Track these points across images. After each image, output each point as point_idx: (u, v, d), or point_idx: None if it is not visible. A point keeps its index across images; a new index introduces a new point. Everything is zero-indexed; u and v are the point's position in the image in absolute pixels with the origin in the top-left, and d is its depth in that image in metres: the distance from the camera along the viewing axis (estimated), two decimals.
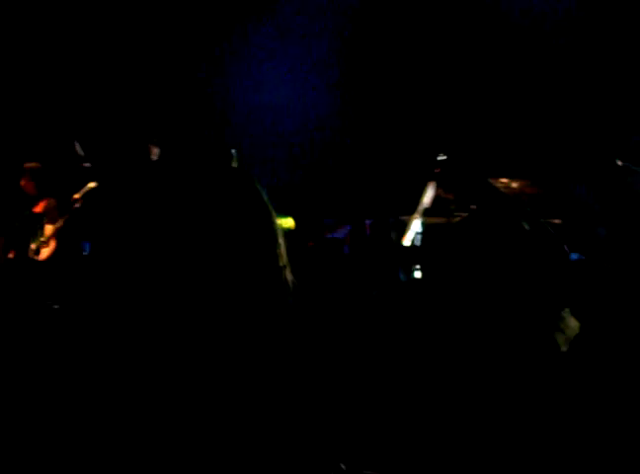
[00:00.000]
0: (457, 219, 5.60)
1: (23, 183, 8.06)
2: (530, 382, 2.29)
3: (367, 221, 7.83)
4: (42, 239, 7.74)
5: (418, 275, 6.45)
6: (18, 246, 7.64)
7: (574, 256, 5.66)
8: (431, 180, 7.47)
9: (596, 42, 8.54)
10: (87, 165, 7.94)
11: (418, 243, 7.03)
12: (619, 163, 6.25)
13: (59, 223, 7.80)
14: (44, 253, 7.74)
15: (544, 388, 2.29)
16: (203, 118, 9.60)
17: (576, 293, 2.64)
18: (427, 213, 7.22)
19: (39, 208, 7.98)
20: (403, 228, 7.21)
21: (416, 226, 7.19)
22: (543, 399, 2.29)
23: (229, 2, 9.60)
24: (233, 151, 7.55)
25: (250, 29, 9.65)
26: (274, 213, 1.74)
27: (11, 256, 7.66)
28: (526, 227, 2.48)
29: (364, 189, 8.90)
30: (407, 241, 7.16)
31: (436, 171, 7.50)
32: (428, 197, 7.45)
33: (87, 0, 9.38)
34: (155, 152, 7.88)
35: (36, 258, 7.64)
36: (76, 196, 7.74)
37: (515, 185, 7.37)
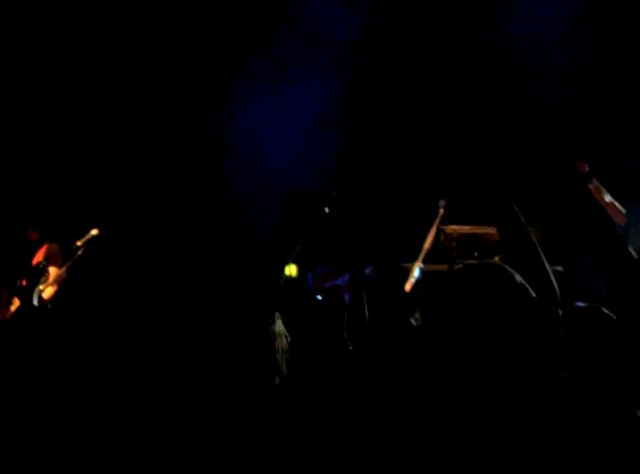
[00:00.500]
0: (458, 267, 5.60)
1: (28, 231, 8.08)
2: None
3: (367, 269, 7.83)
4: (44, 286, 7.74)
5: (414, 321, 6.48)
6: (22, 293, 7.65)
7: (579, 303, 5.67)
8: (432, 226, 7.53)
9: (598, 93, 8.68)
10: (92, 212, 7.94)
11: (418, 290, 7.06)
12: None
13: (63, 270, 7.81)
14: (48, 293, 7.76)
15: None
16: (200, 159, 9.66)
17: (573, 344, 2.76)
18: (428, 260, 7.25)
19: (41, 253, 8.00)
20: (405, 275, 7.24)
21: (417, 273, 7.22)
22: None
23: (228, 41, 9.67)
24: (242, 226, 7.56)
25: (249, 66, 9.75)
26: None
27: (14, 305, 7.66)
28: (519, 280, 2.52)
29: (364, 235, 8.93)
30: (408, 288, 7.19)
31: (437, 217, 7.57)
32: (429, 243, 7.53)
33: (89, 45, 9.44)
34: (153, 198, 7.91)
35: (41, 299, 7.61)
36: (79, 242, 7.70)
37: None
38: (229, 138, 9.77)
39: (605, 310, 3.10)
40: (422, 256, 7.25)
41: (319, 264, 8.21)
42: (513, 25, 9.06)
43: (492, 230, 7.62)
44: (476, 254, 7.17)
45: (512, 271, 2.56)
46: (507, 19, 9.08)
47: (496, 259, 6.70)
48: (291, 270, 7.57)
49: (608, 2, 8.85)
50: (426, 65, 9.37)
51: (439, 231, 7.48)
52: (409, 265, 7.29)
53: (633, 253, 2.92)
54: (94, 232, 7.72)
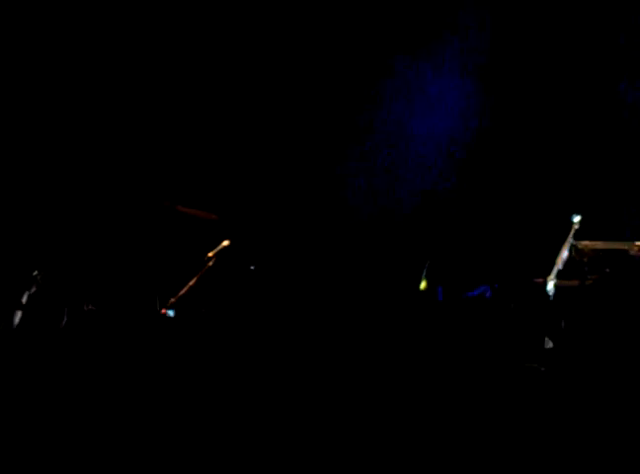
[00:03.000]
0: (590, 282, 6.32)
1: None
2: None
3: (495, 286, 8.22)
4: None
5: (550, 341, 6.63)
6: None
7: None
8: (565, 241, 7.54)
9: None
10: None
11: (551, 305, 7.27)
12: None
13: (194, 281, 7.60)
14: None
15: None
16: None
17: None
18: (561, 276, 7.42)
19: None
20: (538, 291, 7.49)
21: (550, 288, 7.41)
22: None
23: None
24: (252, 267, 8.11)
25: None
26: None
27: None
28: None
29: (497, 251, 8.68)
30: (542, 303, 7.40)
31: (570, 232, 7.57)
32: (562, 258, 8.01)
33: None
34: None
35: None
36: (210, 254, 7.66)
37: None
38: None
39: None
40: (554, 271, 7.44)
41: (452, 280, 8.00)
42: None
43: (625, 246, 7.83)
44: (608, 270, 7.44)
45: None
46: None
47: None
48: (422, 284, 8.89)
49: None
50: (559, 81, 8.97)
51: (571, 246, 7.57)
52: (542, 280, 7.46)
53: None
54: (225, 243, 7.70)
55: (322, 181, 9.34)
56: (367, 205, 9.37)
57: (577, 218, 7.51)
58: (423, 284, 7.52)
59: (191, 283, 7.42)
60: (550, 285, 7.26)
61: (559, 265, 7.37)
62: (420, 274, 7.64)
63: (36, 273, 7.42)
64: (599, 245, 7.47)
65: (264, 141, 9.38)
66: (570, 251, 7.40)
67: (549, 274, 7.34)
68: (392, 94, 9.43)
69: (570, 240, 7.45)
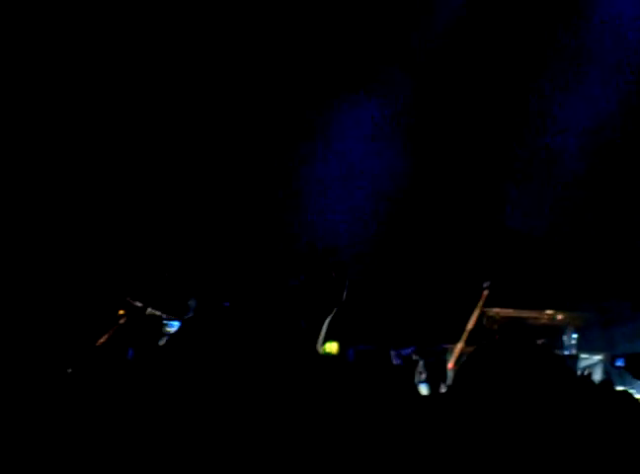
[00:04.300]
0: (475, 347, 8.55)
1: None
2: None
3: (408, 349, 8.15)
4: None
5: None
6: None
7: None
8: (475, 307, 7.57)
9: None
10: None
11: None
12: None
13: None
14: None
15: None
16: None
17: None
18: (470, 341, 7.42)
19: None
20: (448, 355, 7.47)
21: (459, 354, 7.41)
22: None
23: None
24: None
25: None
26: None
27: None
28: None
29: (407, 314, 8.64)
30: (452, 368, 7.36)
31: (481, 299, 7.61)
32: (472, 324, 8.02)
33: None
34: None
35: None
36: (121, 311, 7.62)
37: (560, 317, 7.69)
38: None
39: None
40: (464, 337, 7.45)
41: (362, 342, 7.90)
42: None
43: (535, 314, 7.90)
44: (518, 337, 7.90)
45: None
46: None
47: (538, 343, 6.59)
48: (332, 347, 8.81)
49: None
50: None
51: (482, 313, 7.62)
52: (451, 346, 7.47)
53: None
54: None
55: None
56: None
57: (487, 284, 7.49)
58: (332, 348, 7.34)
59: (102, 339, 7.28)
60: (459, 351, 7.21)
61: (469, 330, 7.37)
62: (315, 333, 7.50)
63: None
64: (509, 312, 7.53)
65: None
66: (480, 318, 7.41)
67: (459, 340, 7.32)
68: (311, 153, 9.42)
69: (480, 307, 7.44)
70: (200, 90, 9.11)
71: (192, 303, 7.70)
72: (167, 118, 9.11)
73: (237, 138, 9.28)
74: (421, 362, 7.09)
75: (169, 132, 9.13)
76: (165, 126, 9.12)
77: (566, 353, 7.43)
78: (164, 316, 7.67)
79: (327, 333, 3.00)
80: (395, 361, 6.73)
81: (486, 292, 7.46)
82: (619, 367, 5.65)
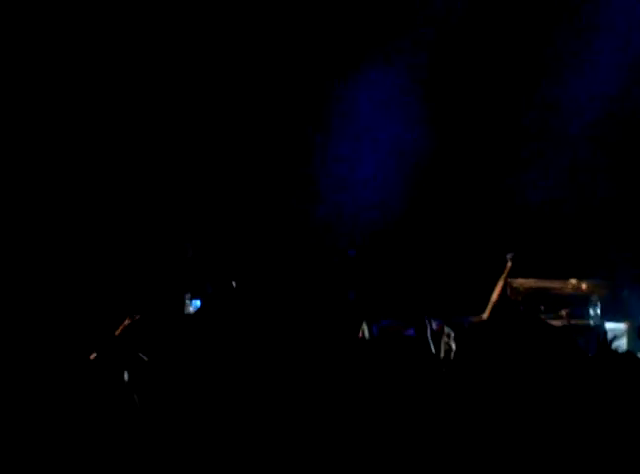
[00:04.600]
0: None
1: None
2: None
3: (434, 322, 8.12)
4: None
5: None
6: None
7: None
8: (499, 279, 7.42)
9: None
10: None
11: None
12: None
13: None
14: None
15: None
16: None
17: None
18: (495, 313, 7.29)
19: None
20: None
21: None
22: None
23: None
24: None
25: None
26: None
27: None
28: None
29: (430, 288, 8.66)
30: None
31: (504, 270, 7.46)
32: (496, 296, 7.99)
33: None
34: None
35: None
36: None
37: (584, 286, 7.68)
38: None
39: None
40: (489, 309, 7.34)
41: (385, 317, 7.91)
42: None
43: (559, 284, 7.87)
44: (543, 308, 7.61)
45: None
46: None
47: (562, 313, 7.41)
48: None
49: None
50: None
51: (505, 285, 7.49)
52: (476, 318, 7.34)
53: None
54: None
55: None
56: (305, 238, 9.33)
57: (510, 255, 7.36)
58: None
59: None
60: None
61: (493, 302, 7.22)
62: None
63: None
64: (532, 283, 7.48)
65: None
66: (504, 289, 7.27)
67: (483, 311, 7.20)
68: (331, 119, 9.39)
69: (504, 278, 7.30)
70: (216, 65, 9.19)
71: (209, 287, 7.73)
72: (179, 100, 9.16)
73: (254, 115, 9.30)
74: (449, 334, 7.09)
75: (184, 116, 9.18)
76: (179, 110, 9.17)
77: (590, 322, 7.46)
78: (187, 296, 7.75)
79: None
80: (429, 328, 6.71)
81: (509, 263, 7.32)
82: None
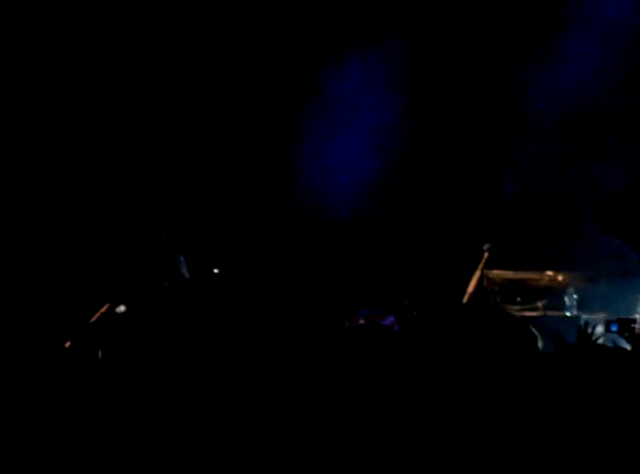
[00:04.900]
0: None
1: None
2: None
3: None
4: None
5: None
6: None
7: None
8: (476, 270, 7.49)
9: None
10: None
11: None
12: None
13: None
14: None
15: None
16: None
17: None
18: (471, 303, 7.63)
19: None
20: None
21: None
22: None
23: None
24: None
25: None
26: None
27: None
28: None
29: (408, 277, 8.62)
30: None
31: (481, 261, 7.52)
32: (472, 287, 8.00)
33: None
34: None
35: None
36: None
37: (560, 278, 7.71)
38: None
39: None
40: (465, 300, 7.43)
41: (364, 306, 7.91)
42: None
43: (535, 275, 7.89)
44: (519, 299, 7.69)
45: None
46: None
47: (539, 304, 7.54)
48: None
49: None
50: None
51: (482, 275, 7.56)
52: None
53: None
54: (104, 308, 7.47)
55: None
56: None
57: (487, 246, 7.42)
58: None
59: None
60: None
61: (470, 293, 7.32)
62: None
63: None
64: (509, 274, 7.51)
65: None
66: (481, 280, 7.34)
67: (461, 302, 7.26)
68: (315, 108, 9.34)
69: (481, 269, 7.37)
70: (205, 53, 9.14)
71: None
72: (173, 90, 9.11)
73: (229, 102, 9.24)
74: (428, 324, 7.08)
75: (178, 104, 9.13)
76: (173, 98, 9.12)
77: (567, 313, 7.49)
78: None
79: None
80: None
81: (486, 254, 7.37)
82: (614, 332, 5.71)
